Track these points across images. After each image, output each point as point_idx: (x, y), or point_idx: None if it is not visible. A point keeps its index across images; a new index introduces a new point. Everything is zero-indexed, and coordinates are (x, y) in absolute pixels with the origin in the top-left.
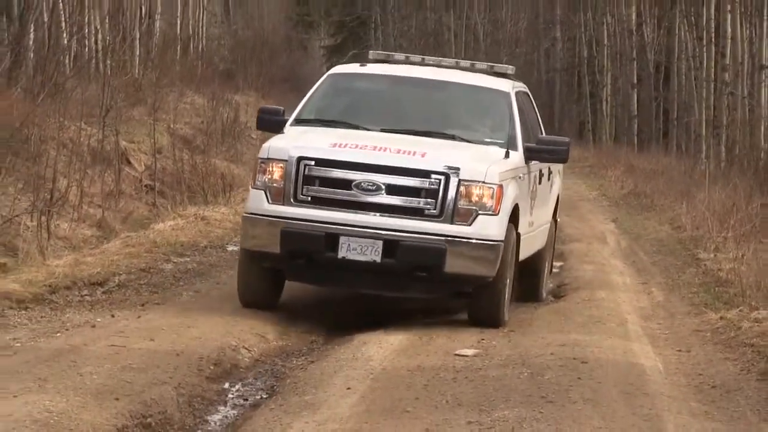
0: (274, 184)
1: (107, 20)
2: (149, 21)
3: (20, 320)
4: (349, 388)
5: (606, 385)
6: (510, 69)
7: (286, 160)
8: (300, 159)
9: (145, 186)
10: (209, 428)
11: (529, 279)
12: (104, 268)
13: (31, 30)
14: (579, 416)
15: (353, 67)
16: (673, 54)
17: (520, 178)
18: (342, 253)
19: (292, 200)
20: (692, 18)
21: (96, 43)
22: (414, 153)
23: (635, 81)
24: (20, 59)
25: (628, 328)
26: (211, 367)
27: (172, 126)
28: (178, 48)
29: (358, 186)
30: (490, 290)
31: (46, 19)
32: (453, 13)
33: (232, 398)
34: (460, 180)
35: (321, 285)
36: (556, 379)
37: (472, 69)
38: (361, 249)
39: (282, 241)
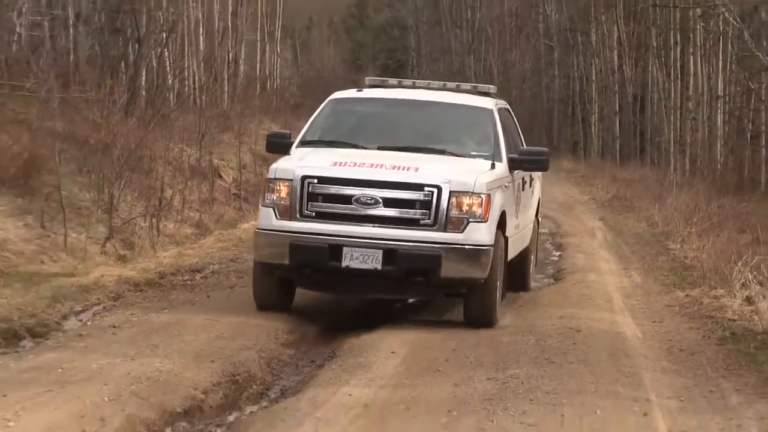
0: (282, 202)
1: (202, 65)
2: (235, 65)
3: (136, 299)
4: (393, 352)
5: (596, 348)
6: (492, 88)
7: (291, 180)
8: (304, 178)
9: (233, 194)
10: (284, 383)
11: (518, 273)
12: (201, 259)
13: (143, 73)
14: (574, 373)
15: (351, 92)
16: (648, 87)
17: (505, 186)
18: (345, 263)
19: (298, 215)
20: (662, 59)
21: (194, 82)
22: (408, 168)
23: (617, 109)
24: (135, 96)
25: (612, 304)
26: (286, 336)
27: (253, 147)
28: (258, 86)
29: (358, 200)
30: (482, 291)
31: (155, 65)
32: (473, 56)
33: (303, 360)
34: (451, 191)
35: (328, 292)
36: (556, 345)
37: (457, 90)
38: (362, 258)
39: (290, 253)
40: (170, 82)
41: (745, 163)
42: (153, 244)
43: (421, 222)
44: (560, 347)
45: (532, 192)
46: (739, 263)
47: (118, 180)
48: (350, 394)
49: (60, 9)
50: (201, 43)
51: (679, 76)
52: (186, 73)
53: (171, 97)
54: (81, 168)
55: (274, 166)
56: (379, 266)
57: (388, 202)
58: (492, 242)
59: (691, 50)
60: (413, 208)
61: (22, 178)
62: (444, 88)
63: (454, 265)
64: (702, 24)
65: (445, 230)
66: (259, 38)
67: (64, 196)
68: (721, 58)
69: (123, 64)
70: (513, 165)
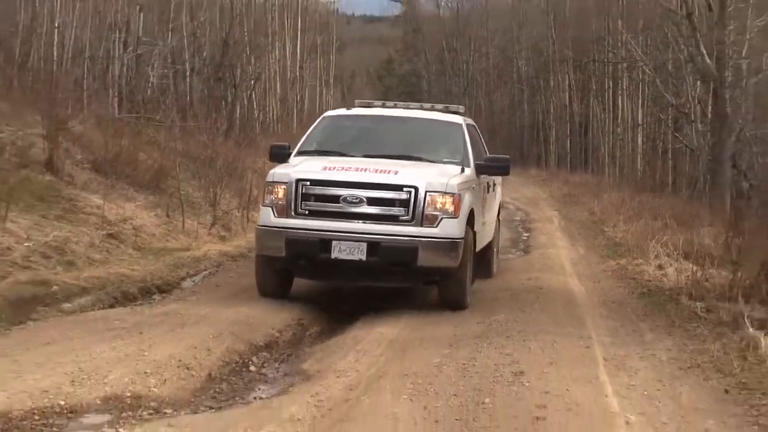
0: (279, 202)
1: (279, 103)
2: (301, 103)
3: (232, 267)
4: (410, 307)
5: (553, 301)
6: (461, 108)
7: (287, 182)
8: (298, 180)
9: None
10: (335, 325)
11: (484, 262)
12: None
13: (238, 109)
14: (538, 318)
15: (342, 111)
16: (589, 118)
17: (473, 188)
18: (334, 254)
19: (293, 213)
20: (599, 98)
21: (273, 115)
22: (389, 171)
23: (568, 133)
24: (232, 125)
25: (565, 270)
26: (337, 294)
27: None
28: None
29: (345, 200)
30: (454, 278)
31: (246, 103)
32: (467, 96)
33: (349, 311)
34: (426, 191)
35: (320, 280)
36: (525, 298)
37: (431, 109)
38: (349, 250)
39: (286, 246)
40: (256, 115)
41: (657, 171)
42: (244, 228)
43: (401, 218)
44: (528, 300)
45: (495, 195)
46: (653, 241)
47: (220, 183)
48: (381, 333)
49: (180, 64)
50: (278, 88)
51: (611, 110)
52: (267, 109)
53: (257, 126)
54: (194, 175)
55: (272, 171)
56: (363, 257)
57: (372, 201)
58: (462, 235)
59: (620, 92)
60: (393, 206)
61: (153, 182)
62: (420, 108)
63: (430, 255)
64: (627, 74)
65: (421, 225)
66: (318, 84)
67: (182, 194)
68: (640, 97)
69: (224, 103)
70: (480, 170)
